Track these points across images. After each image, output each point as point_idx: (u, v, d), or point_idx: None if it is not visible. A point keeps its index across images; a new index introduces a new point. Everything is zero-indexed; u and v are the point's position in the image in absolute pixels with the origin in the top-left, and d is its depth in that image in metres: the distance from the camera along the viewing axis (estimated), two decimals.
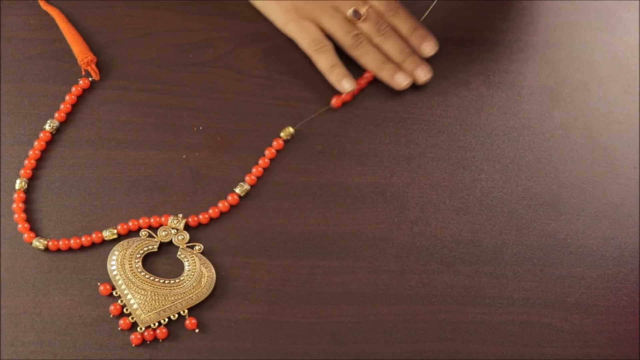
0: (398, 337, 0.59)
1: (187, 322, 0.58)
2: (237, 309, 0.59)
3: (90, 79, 0.65)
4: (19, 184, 0.61)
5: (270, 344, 0.58)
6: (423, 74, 0.67)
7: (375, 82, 0.67)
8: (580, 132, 0.67)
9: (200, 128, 0.65)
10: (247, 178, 0.63)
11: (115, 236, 0.60)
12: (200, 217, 0.61)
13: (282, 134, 0.65)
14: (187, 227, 0.61)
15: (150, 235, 0.61)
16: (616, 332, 0.60)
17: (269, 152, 0.64)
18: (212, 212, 0.61)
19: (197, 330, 0.58)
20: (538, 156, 0.66)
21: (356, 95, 0.67)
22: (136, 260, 0.59)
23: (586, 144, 0.67)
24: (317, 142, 0.65)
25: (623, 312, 0.61)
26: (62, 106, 0.64)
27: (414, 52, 0.67)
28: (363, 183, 0.64)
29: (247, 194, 0.63)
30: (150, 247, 0.60)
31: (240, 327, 0.59)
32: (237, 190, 0.62)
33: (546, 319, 0.61)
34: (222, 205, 0.62)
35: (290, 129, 0.64)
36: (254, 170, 0.63)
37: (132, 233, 0.61)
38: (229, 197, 0.62)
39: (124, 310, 0.58)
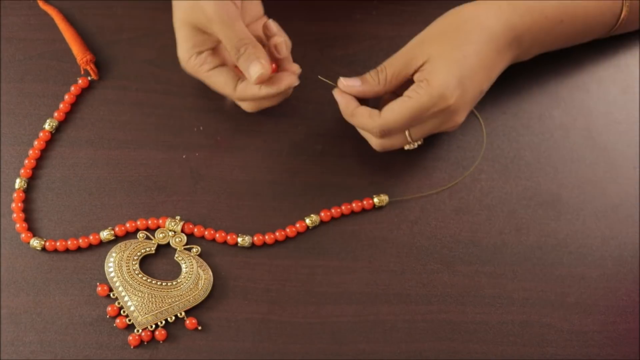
0: (398, 337, 0.59)
1: (187, 322, 0.58)
2: (237, 309, 0.59)
3: (89, 78, 0.65)
4: (19, 183, 0.61)
5: (270, 343, 0.58)
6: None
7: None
8: (580, 132, 0.67)
9: (201, 128, 0.65)
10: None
11: (112, 237, 0.60)
12: (206, 233, 0.61)
13: None
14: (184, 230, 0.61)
15: (147, 238, 0.61)
16: (616, 332, 0.60)
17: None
18: (219, 236, 0.61)
19: (199, 328, 0.58)
20: (538, 156, 0.66)
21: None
22: (134, 262, 0.59)
23: (586, 144, 0.67)
24: (317, 142, 0.65)
25: (623, 312, 0.61)
26: (61, 106, 0.64)
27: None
28: (363, 183, 0.64)
29: None
30: (147, 249, 0.60)
31: (240, 327, 0.59)
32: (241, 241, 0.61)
33: (546, 319, 0.60)
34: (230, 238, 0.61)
35: None
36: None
37: (130, 234, 0.61)
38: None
39: (121, 312, 0.58)
